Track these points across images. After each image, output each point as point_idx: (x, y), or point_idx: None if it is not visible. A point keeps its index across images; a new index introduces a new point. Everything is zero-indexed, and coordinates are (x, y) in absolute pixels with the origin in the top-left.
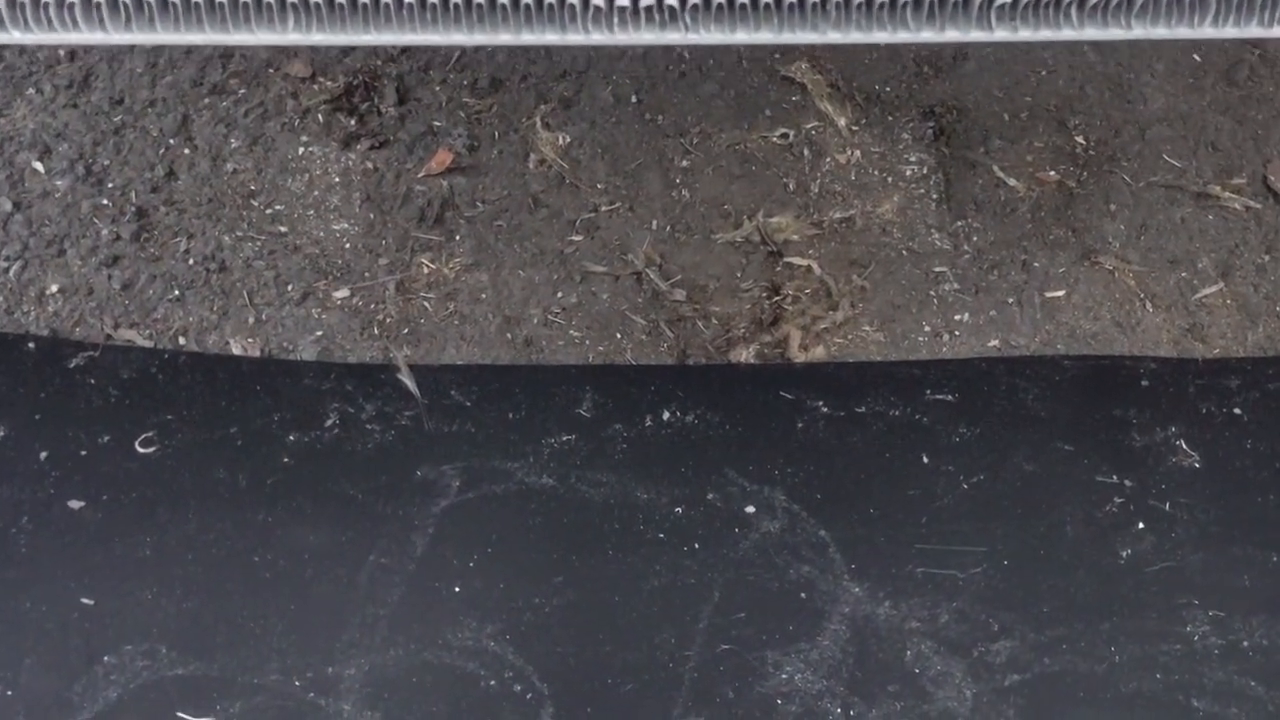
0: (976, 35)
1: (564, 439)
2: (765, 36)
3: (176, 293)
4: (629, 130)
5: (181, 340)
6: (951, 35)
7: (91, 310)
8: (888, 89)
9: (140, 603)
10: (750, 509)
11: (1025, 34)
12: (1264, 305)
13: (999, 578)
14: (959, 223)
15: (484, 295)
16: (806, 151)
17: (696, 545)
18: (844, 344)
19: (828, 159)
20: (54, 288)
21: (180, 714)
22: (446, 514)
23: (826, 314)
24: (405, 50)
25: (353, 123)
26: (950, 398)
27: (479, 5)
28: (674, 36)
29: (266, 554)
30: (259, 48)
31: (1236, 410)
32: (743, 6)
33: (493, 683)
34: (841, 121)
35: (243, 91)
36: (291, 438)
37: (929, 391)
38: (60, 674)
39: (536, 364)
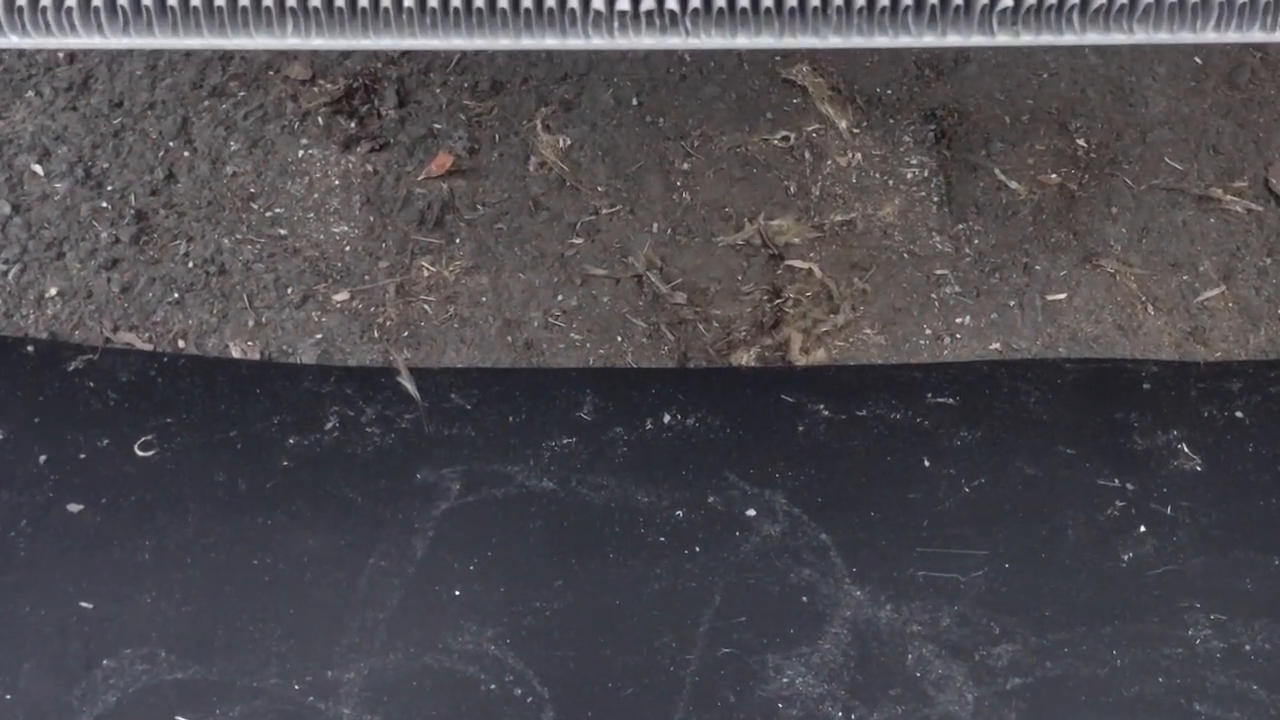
0: (978, 40)
1: (564, 442)
2: (766, 41)
3: (176, 295)
4: (630, 133)
5: (181, 343)
6: (953, 40)
7: (91, 313)
8: (889, 92)
9: (139, 606)
10: (751, 512)
11: (1027, 39)
12: (1266, 308)
13: (1000, 581)
14: (960, 226)
15: (484, 298)
16: (807, 154)
17: (697, 548)
18: (845, 347)
19: (829, 162)
20: (53, 291)
21: (179, 718)
22: (446, 517)
23: (827, 317)
24: (406, 53)
25: (353, 125)
26: (951, 401)
27: (479, 9)
28: (674, 41)
29: (266, 557)
30: (258, 51)
31: (1238, 413)
32: (743, 11)
33: (493, 686)
34: (843, 124)
35: (242, 94)
36: (291, 441)
37: (930, 395)
38: (59, 678)
39: (537, 367)
